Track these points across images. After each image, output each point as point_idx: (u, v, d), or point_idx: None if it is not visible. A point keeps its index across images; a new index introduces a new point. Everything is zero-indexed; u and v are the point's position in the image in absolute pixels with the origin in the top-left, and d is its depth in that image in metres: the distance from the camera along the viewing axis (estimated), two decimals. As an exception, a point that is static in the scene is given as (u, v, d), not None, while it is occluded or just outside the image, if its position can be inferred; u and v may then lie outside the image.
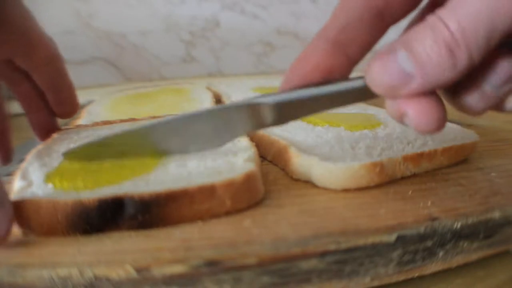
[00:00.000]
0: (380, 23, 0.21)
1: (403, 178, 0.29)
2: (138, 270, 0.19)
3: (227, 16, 0.77)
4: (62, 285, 0.19)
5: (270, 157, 0.33)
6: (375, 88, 0.19)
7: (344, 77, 0.21)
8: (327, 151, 0.29)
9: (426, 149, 0.29)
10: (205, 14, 0.76)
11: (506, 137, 0.39)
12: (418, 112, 0.18)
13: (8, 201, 0.22)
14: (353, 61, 0.21)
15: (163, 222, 0.22)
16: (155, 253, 0.20)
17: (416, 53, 0.18)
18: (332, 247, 0.21)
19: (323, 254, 0.21)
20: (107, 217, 0.22)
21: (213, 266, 0.19)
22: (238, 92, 0.52)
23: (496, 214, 0.24)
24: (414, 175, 0.29)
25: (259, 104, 0.22)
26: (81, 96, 0.63)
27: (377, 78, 0.19)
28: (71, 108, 0.36)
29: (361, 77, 0.20)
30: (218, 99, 0.49)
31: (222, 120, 0.24)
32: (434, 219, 0.23)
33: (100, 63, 0.71)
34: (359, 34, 0.21)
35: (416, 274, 0.23)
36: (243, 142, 0.30)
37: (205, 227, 0.23)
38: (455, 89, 0.20)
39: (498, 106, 0.20)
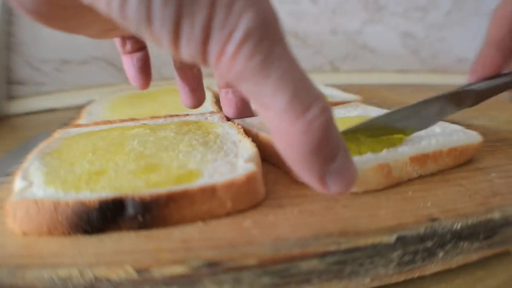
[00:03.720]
0: None
1: (404, 179, 0.29)
2: (138, 271, 0.19)
3: (227, 16, 0.77)
4: (62, 286, 0.19)
5: (271, 158, 0.33)
6: None
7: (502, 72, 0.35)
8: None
9: (431, 149, 0.29)
10: (205, 14, 0.76)
11: (506, 137, 0.39)
12: None
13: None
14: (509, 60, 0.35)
15: (164, 223, 0.23)
16: (155, 253, 0.20)
17: None
18: (332, 247, 0.21)
19: (323, 255, 0.21)
20: (107, 217, 0.22)
21: (213, 266, 0.19)
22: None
23: (496, 215, 0.24)
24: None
25: (468, 91, 0.33)
26: (81, 96, 0.63)
27: None
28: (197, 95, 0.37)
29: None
30: (218, 99, 0.48)
31: (440, 105, 0.32)
32: (434, 219, 0.23)
33: (100, 63, 0.71)
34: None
35: (416, 275, 0.23)
36: (244, 142, 0.30)
37: (206, 227, 0.23)
38: None
39: None
